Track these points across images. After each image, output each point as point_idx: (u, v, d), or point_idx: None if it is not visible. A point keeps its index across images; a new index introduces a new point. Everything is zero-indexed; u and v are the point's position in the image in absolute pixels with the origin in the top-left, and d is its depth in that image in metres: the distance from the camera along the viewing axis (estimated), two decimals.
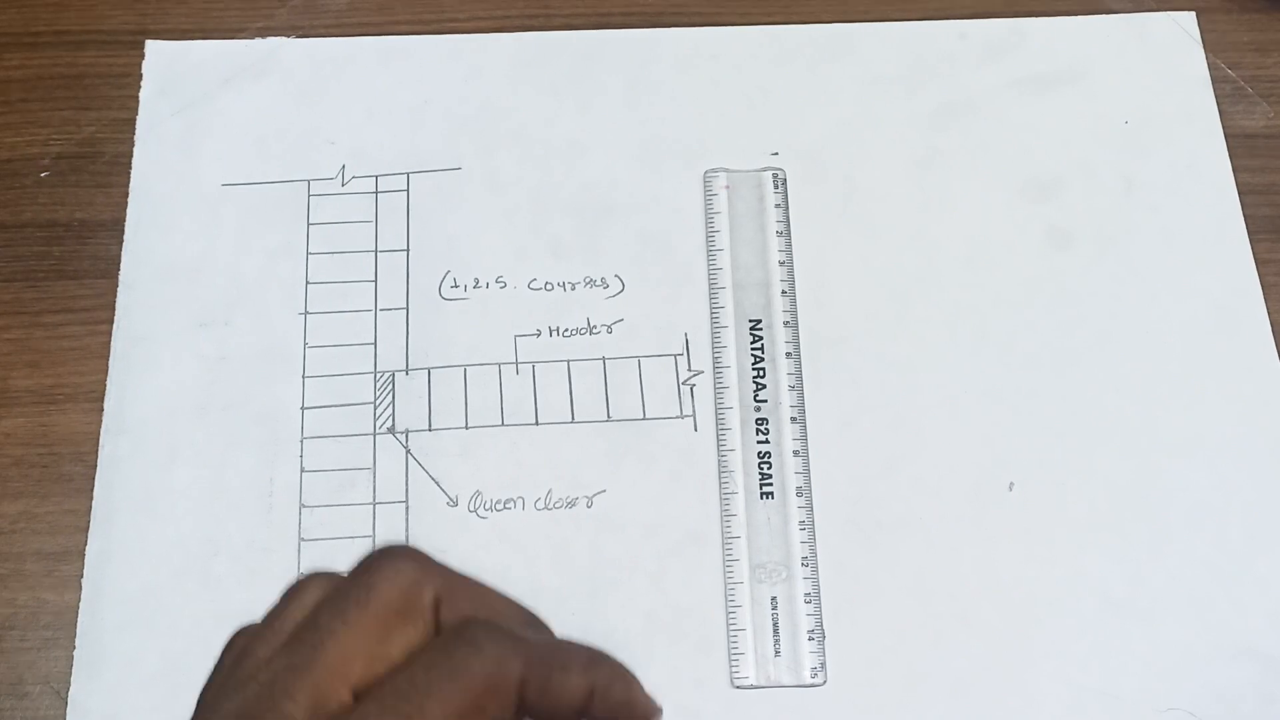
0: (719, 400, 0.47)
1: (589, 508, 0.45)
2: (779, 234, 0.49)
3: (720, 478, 0.46)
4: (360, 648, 0.32)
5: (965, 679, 0.43)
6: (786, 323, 0.48)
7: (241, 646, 0.34)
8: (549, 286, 0.48)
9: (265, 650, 0.33)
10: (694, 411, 0.46)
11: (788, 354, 0.47)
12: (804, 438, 0.46)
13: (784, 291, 0.48)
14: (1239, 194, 0.50)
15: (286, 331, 0.48)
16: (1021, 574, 0.44)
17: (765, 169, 0.50)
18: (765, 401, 0.46)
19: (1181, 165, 0.51)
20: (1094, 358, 0.47)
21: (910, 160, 0.51)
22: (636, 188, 0.50)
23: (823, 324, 0.48)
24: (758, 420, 0.46)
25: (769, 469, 0.46)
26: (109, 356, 0.47)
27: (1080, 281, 0.49)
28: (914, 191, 0.50)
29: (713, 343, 0.47)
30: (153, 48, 0.52)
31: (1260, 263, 0.49)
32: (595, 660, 0.33)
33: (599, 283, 0.48)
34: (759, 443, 0.46)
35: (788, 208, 0.50)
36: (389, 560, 0.32)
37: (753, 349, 0.47)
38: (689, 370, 0.47)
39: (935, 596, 0.44)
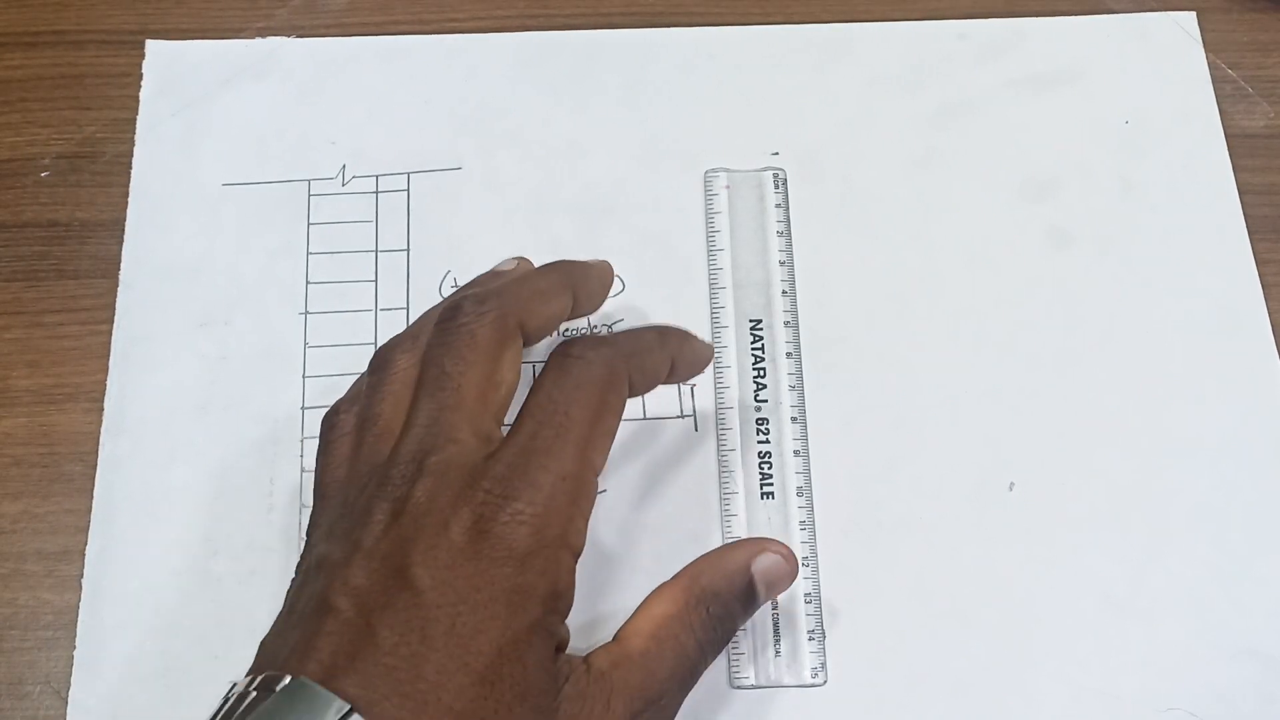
0: (719, 400, 0.47)
1: None
2: (779, 234, 0.49)
3: (720, 478, 0.46)
4: (487, 381, 0.38)
5: (965, 679, 0.43)
6: (787, 323, 0.48)
7: (357, 418, 0.39)
8: None
9: (390, 408, 0.39)
10: (694, 411, 0.46)
11: (788, 354, 0.47)
12: (804, 438, 0.46)
13: (784, 291, 0.48)
14: (1239, 194, 0.50)
15: (287, 331, 0.48)
16: (1021, 574, 0.44)
17: (766, 169, 0.50)
18: (765, 401, 0.47)
19: (1181, 165, 0.51)
20: (1094, 358, 0.47)
21: (910, 160, 0.51)
22: (637, 188, 0.50)
23: (822, 324, 0.48)
24: (758, 420, 0.46)
25: (769, 469, 0.46)
26: (109, 356, 0.47)
27: (1080, 281, 0.49)
28: (913, 191, 0.50)
29: (713, 342, 0.47)
30: (153, 48, 0.52)
31: (1260, 263, 0.49)
32: (664, 334, 0.42)
33: None
34: (759, 443, 0.46)
35: (788, 208, 0.50)
36: (474, 306, 0.39)
37: (753, 349, 0.47)
38: None
39: (935, 596, 0.44)
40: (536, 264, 0.43)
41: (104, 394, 0.46)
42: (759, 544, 0.40)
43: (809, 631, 0.43)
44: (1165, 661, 0.43)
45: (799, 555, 0.44)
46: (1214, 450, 0.46)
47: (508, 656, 0.34)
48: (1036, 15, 0.53)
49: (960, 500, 0.45)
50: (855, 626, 0.43)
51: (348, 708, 0.32)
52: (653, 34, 0.53)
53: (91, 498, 0.45)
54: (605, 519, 0.45)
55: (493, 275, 0.44)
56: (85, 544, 0.44)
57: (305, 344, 0.47)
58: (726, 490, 0.45)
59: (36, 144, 0.51)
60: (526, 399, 0.37)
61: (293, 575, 0.38)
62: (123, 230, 0.49)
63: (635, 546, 0.44)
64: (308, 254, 0.49)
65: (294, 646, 0.34)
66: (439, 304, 0.41)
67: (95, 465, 0.45)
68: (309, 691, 0.32)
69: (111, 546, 0.44)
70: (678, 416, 0.46)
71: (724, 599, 0.39)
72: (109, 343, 0.47)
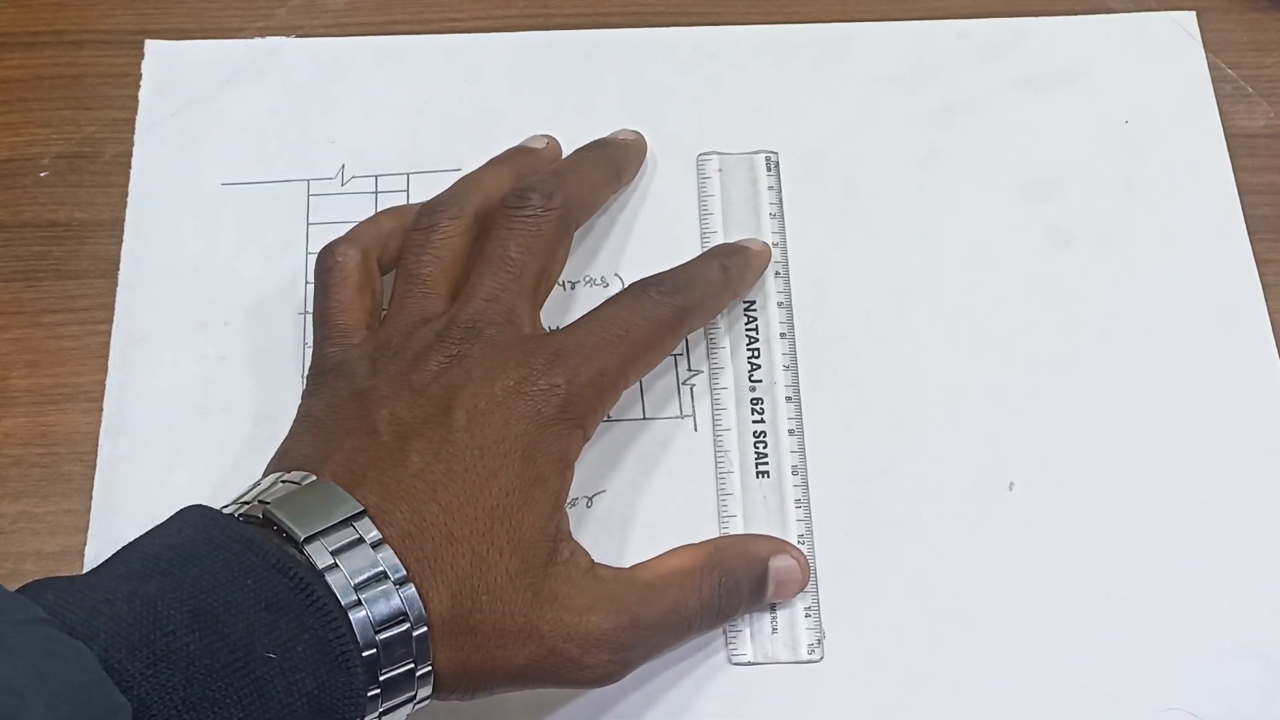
0: (714, 381, 0.47)
1: (589, 508, 0.45)
2: (772, 216, 0.49)
3: (716, 457, 0.45)
4: (543, 272, 0.43)
5: (965, 678, 0.43)
6: (780, 304, 0.48)
7: (363, 261, 0.44)
8: None
9: (435, 269, 0.43)
10: (694, 411, 0.46)
11: (782, 334, 0.47)
12: (799, 417, 0.46)
13: (777, 273, 0.48)
14: (1239, 194, 0.50)
15: (286, 331, 0.48)
16: (1021, 573, 0.44)
17: (758, 151, 0.50)
18: (760, 382, 0.47)
19: (1182, 165, 0.51)
20: (1094, 357, 0.47)
21: (910, 160, 0.51)
22: (635, 187, 0.50)
23: (822, 324, 0.48)
24: (753, 400, 0.46)
25: (764, 448, 0.46)
26: (108, 356, 0.47)
27: (1080, 281, 0.49)
28: (914, 191, 0.50)
29: (706, 325, 0.47)
30: (152, 47, 0.52)
31: (1260, 263, 0.49)
32: (727, 269, 0.45)
33: (599, 282, 0.48)
34: (754, 422, 0.46)
35: (780, 190, 0.50)
36: (543, 201, 0.43)
37: (747, 330, 0.47)
38: (689, 370, 0.47)
39: (935, 596, 0.44)
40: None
41: (103, 394, 0.46)
42: (781, 544, 0.43)
43: (805, 608, 0.43)
44: (1165, 661, 0.43)
45: (794, 534, 0.44)
46: (1214, 450, 0.46)
47: (513, 502, 0.38)
48: (1036, 15, 0.53)
49: (960, 500, 0.45)
50: (855, 626, 0.43)
51: (360, 509, 0.36)
52: (652, 34, 0.53)
53: (91, 498, 0.45)
54: (604, 519, 0.45)
55: (524, 152, 0.48)
56: (84, 544, 0.44)
57: (305, 344, 0.47)
58: (722, 470, 0.45)
59: (36, 144, 0.51)
60: (597, 308, 0.42)
61: (305, 396, 0.42)
62: (122, 230, 0.49)
63: (634, 547, 0.44)
64: (307, 254, 0.49)
65: (328, 454, 0.38)
66: (478, 174, 0.46)
67: (94, 466, 0.45)
68: (330, 489, 0.36)
69: (111, 547, 0.44)
70: (677, 417, 0.46)
71: (738, 577, 0.41)
72: (108, 343, 0.47)
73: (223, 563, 0.34)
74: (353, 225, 0.46)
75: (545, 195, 0.43)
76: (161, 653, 0.31)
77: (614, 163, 0.48)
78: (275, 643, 0.33)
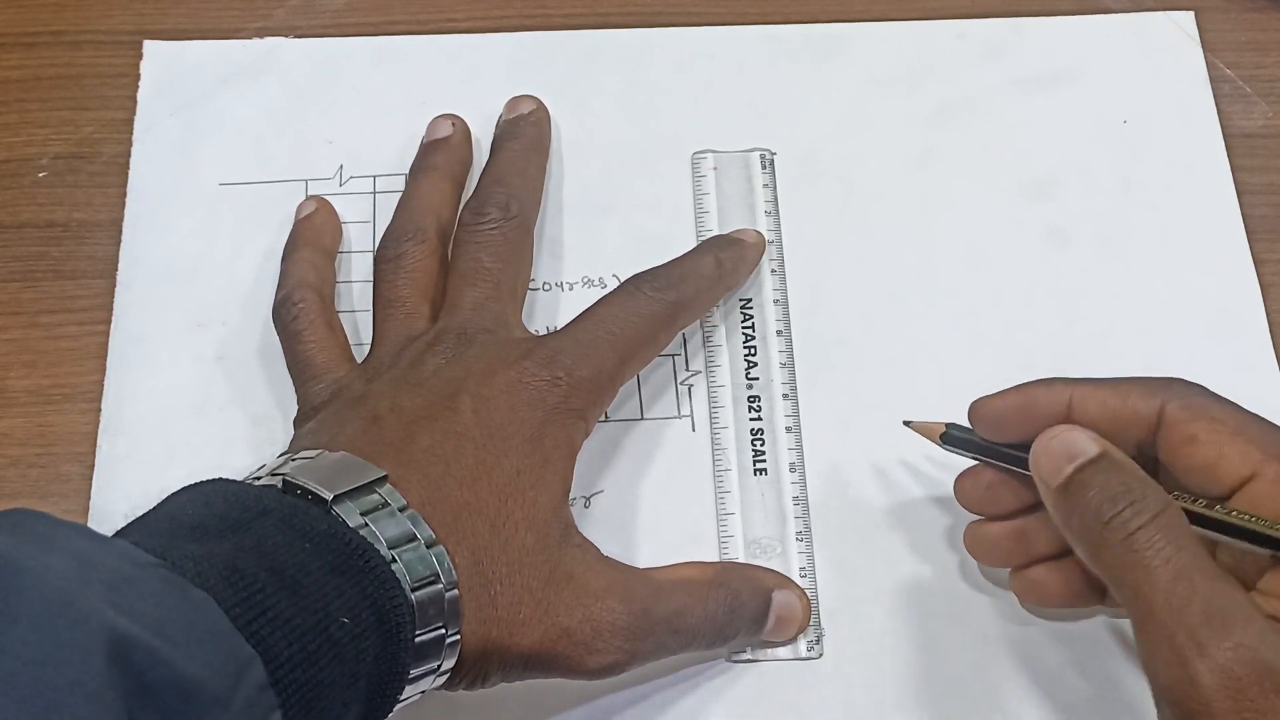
0: (710, 379, 0.47)
1: (586, 508, 0.45)
2: (767, 214, 0.49)
3: (713, 456, 0.45)
4: (518, 277, 0.45)
5: (960, 679, 0.43)
6: (776, 301, 0.48)
7: (384, 303, 0.44)
8: (546, 287, 0.48)
9: (411, 292, 0.43)
10: (691, 412, 0.46)
11: (778, 331, 0.47)
12: (796, 414, 0.46)
13: (773, 270, 0.48)
14: (1237, 194, 0.50)
15: None
16: None
17: (753, 149, 0.50)
18: (757, 379, 0.47)
19: (1180, 165, 0.51)
20: (1092, 357, 0.47)
21: (908, 160, 0.51)
22: (633, 187, 0.50)
23: (820, 324, 0.48)
24: (749, 398, 0.46)
25: (762, 445, 0.46)
26: (106, 357, 0.47)
27: (1078, 281, 0.49)
28: (912, 191, 0.50)
29: (703, 322, 0.47)
30: (150, 48, 0.52)
31: (1259, 262, 0.49)
32: (721, 262, 0.46)
33: (596, 282, 0.48)
34: (751, 420, 0.46)
35: (775, 187, 0.50)
36: (501, 212, 0.44)
37: (743, 328, 0.47)
38: (687, 370, 0.47)
39: (932, 595, 0.44)
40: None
41: (101, 394, 0.46)
42: (786, 580, 0.43)
43: None
44: None
45: (793, 530, 0.44)
46: None
47: (525, 481, 0.38)
48: (1035, 15, 0.53)
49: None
50: (851, 627, 0.43)
51: (382, 474, 0.36)
52: (650, 34, 0.53)
53: (89, 498, 0.45)
54: (602, 519, 0.45)
55: (442, 150, 0.48)
56: None
57: None
58: (720, 468, 0.45)
59: (34, 144, 0.51)
60: (591, 306, 0.43)
61: (296, 426, 0.42)
62: (120, 231, 0.49)
63: (633, 546, 0.44)
64: None
65: (332, 438, 0.38)
66: (420, 193, 0.46)
67: (92, 466, 0.45)
68: (348, 457, 0.36)
69: None
70: (675, 417, 0.46)
71: (742, 599, 0.41)
72: (106, 343, 0.47)
73: (273, 528, 0.33)
74: (285, 272, 0.46)
75: (502, 207, 0.45)
76: (259, 610, 0.31)
77: (540, 147, 0.49)
78: (344, 607, 0.32)
